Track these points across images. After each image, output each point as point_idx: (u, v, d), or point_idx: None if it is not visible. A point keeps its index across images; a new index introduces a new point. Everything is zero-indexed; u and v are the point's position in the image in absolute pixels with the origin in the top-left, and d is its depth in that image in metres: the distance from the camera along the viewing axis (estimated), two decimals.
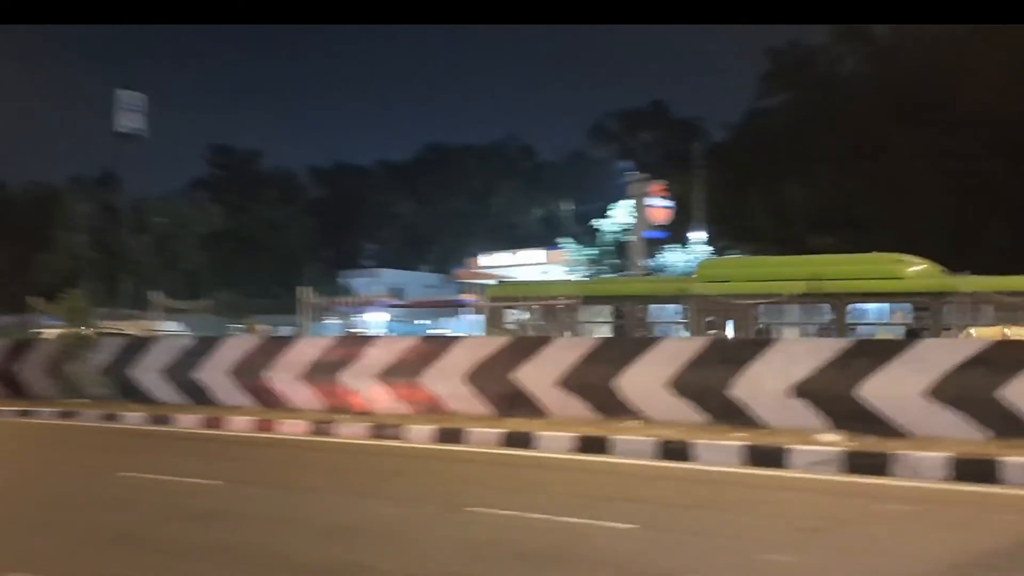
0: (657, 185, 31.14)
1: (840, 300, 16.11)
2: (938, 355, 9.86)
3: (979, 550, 5.89)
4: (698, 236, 29.99)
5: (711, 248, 29.49)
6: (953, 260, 18.30)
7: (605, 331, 18.78)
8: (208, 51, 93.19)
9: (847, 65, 38.02)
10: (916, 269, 16.51)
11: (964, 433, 9.31)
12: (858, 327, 16.78)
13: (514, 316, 19.76)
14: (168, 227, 53.61)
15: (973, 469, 8.05)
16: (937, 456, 8.31)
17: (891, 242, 24.96)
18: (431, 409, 12.60)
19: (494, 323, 19.42)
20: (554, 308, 18.71)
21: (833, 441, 9.33)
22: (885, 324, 17.21)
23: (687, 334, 17.22)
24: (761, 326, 17.05)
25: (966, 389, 9.43)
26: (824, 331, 16.36)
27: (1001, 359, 9.49)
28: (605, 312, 19.50)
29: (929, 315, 15.76)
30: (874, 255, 17.14)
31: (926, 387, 9.57)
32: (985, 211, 27.67)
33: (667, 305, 18.87)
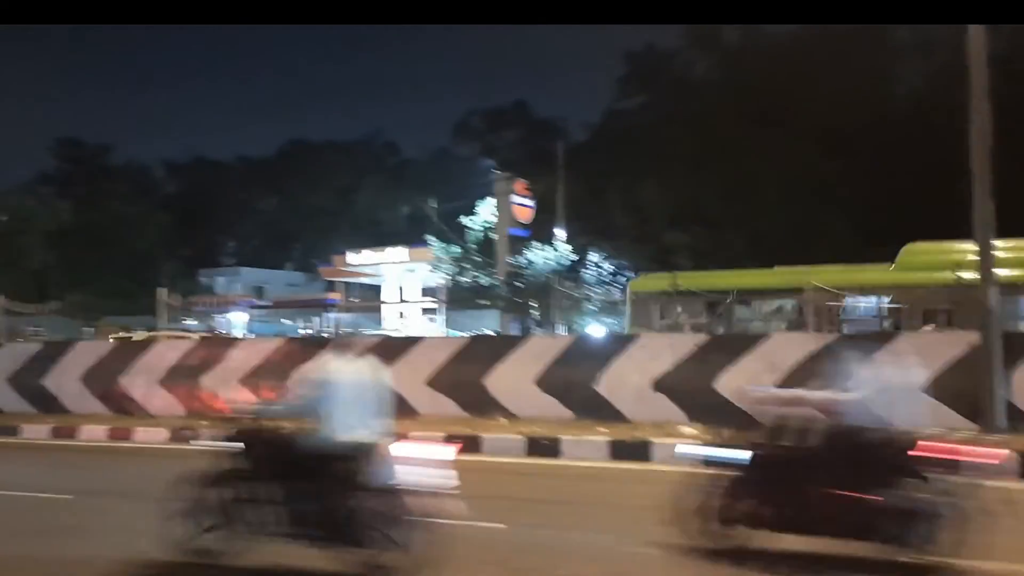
0: (520, 183, 31.53)
1: None
2: (785, 349, 10.49)
3: None
4: (558, 234, 30.61)
5: (570, 246, 30.17)
6: (796, 257, 19.14)
7: (781, 326, 16.01)
8: (55, 40, 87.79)
9: (699, 69, 39.56)
10: None
11: None
12: None
13: (665, 312, 16.83)
14: (10, 224, 50.21)
15: None
16: None
17: (741, 240, 25.97)
18: None
19: (640, 320, 16.36)
20: (718, 302, 16.25)
21: (692, 434, 9.76)
22: None
23: (901, 329, 14.56)
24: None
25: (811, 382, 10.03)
26: None
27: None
28: (785, 306, 16.65)
29: None
30: None
31: (776, 380, 10.14)
32: (825, 210, 29.36)
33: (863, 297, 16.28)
